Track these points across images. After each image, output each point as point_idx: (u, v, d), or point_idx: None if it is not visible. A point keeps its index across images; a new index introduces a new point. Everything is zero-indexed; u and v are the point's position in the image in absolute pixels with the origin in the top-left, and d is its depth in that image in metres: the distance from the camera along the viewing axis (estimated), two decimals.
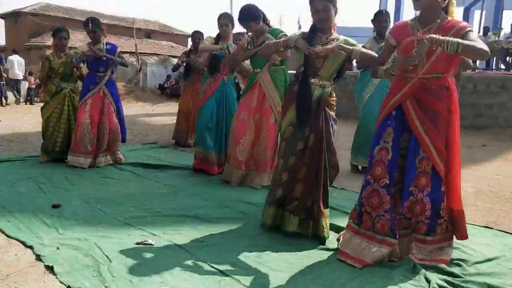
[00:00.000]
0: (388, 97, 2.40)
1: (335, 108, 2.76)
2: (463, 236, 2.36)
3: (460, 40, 2.00)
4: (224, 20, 4.22)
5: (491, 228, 2.95)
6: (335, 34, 2.68)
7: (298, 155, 2.62)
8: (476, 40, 2.07)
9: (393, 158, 2.28)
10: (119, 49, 4.75)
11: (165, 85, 18.11)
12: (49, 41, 23.67)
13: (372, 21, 4.41)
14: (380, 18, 4.31)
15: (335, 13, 2.61)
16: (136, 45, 23.29)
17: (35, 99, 14.47)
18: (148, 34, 31.22)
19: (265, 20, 3.79)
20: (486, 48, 2.00)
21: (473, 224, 3.01)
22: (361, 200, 2.37)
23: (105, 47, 4.53)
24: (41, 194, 3.44)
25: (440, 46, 2.02)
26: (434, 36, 2.02)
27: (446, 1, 2.18)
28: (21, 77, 13.84)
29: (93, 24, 4.49)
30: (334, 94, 2.77)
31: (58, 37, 4.62)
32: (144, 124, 8.75)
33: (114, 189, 3.67)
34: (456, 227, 2.35)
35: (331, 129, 2.67)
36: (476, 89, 8.67)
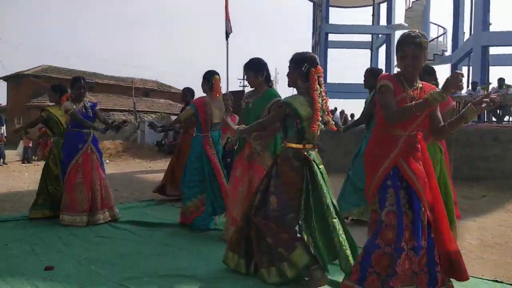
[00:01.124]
0: (377, 156, 2.40)
1: None
2: (464, 276, 2.32)
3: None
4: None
5: (502, 282, 2.85)
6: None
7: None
8: None
9: (400, 219, 2.28)
10: (98, 107, 4.87)
11: (163, 142, 18.26)
12: (49, 101, 24.20)
13: (369, 77, 4.48)
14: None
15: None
16: (134, 103, 23.84)
17: (33, 157, 14.47)
18: (146, 92, 32.05)
19: (268, 79, 3.76)
20: None
21: (482, 278, 2.92)
22: (368, 263, 2.30)
23: (88, 105, 4.67)
24: (33, 256, 3.32)
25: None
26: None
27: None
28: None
29: (84, 81, 4.65)
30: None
31: (77, 87, 4.63)
32: (142, 181, 8.70)
33: (109, 249, 3.56)
34: (455, 268, 2.33)
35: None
36: (470, 141, 8.79)
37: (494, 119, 11.27)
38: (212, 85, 4.28)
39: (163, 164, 6.91)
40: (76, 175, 4.42)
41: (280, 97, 3.80)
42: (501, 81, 11.20)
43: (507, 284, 2.82)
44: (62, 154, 4.60)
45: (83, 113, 4.59)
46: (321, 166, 2.77)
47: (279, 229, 2.66)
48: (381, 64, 25.44)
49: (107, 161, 14.66)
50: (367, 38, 26.97)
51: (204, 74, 4.51)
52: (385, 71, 24.62)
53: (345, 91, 24.80)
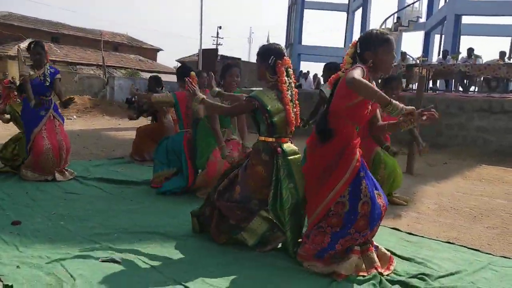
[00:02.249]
0: (339, 144, 2.40)
1: None
2: None
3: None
4: None
5: (453, 243, 3.06)
6: None
7: None
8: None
9: (373, 208, 2.39)
10: (59, 75, 4.68)
11: (133, 99, 17.84)
12: (10, 51, 22.94)
13: (325, 72, 4.50)
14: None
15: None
16: (103, 57, 22.92)
17: None
18: (116, 47, 30.82)
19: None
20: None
21: (436, 240, 3.12)
22: (333, 247, 2.39)
23: (49, 71, 4.49)
24: None
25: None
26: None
27: None
28: None
29: (38, 46, 4.43)
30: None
31: (33, 52, 4.44)
32: (111, 138, 8.56)
33: (78, 205, 3.55)
34: None
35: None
36: (437, 109, 9.02)
37: (460, 88, 11.60)
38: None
39: (132, 122, 6.79)
40: (42, 141, 4.35)
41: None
42: (470, 51, 11.45)
43: (458, 245, 3.03)
44: (22, 119, 4.49)
45: (40, 80, 4.43)
46: (295, 156, 2.71)
47: (240, 211, 2.69)
48: (357, 27, 25.38)
49: (74, 116, 14.26)
50: (344, 0, 26.66)
51: (178, 71, 4.46)
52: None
53: (319, 54, 24.76)
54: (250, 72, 17.59)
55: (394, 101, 2.11)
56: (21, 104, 4.65)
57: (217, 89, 3.46)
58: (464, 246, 3.00)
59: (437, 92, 12.05)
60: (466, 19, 17.02)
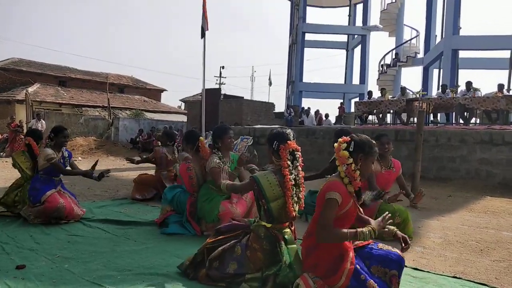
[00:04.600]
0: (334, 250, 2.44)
1: None
2: None
3: None
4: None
5: (460, 278, 3.03)
6: None
7: None
8: None
9: None
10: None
11: (137, 139, 18.06)
12: (19, 95, 23.50)
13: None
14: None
15: None
16: (108, 99, 23.43)
17: (1, 153, 14.06)
18: (121, 88, 31.54)
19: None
20: None
21: (442, 275, 3.08)
22: None
23: (64, 154, 4.73)
24: (4, 254, 3.28)
25: None
26: None
27: None
28: None
29: (66, 131, 4.71)
30: None
31: (62, 135, 4.64)
32: (115, 179, 8.62)
33: (83, 247, 3.55)
34: None
35: None
36: (438, 142, 9.13)
37: (461, 121, 11.70)
38: (199, 147, 4.31)
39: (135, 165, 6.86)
40: (57, 199, 4.37)
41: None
42: (468, 84, 11.63)
43: (465, 280, 2.99)
44: (30, 197, 4.48)
45: (61, 162, 4.61)
46: (293, 246, 2.73)
47: (230, 283, 2.70)
48: (356, 65, 25.93)
49: (79, 158, 14.41)
50: (343, 38, 27.41)
51: (187, 137, 4.67)
52: (360, 72, 24.95)
53: (320, 90, 25.19)
54: (252, 111, 17.85)
55: (361, 231, 2.36)
56: (23, 154, 4.70)
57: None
58: (471, 281, 2.97)
59: (438, 125, 12.15)
60: (463, 54, 17.40)
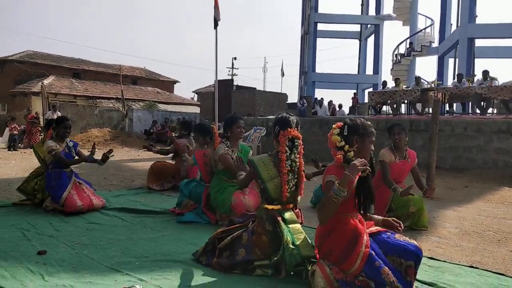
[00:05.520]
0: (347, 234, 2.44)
1: None
2: None
3: None
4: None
5: (477, 267, 3.00)
6: None
7: None
8: None
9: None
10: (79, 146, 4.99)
11: (151, 130, 18.21)
12: (35, 88, 23.85)
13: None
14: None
15: None
16: (122, 91, 23.61)
17: (19, 145, 14.32)
18: (134, 80, 31.74)
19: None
20: None
21: (459, 264, 3.06)
22: None
23: (70, 144, 4.75)
24: (25, 241, 3.38)
25: None
26: None
27: None
28: None
29: (68, 122, 4.73)
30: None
31: (64, 126, 4.68)
32: (130, 169, 8.73)
33: (100, 234, 3.62)
34: None
35: None
36: (454, 132, 9.00)
37: (478, 111, 11.50)
38: (213, 136, 4.32)
39: (151, 153, 6.90)
40: (76, 202, 4.39)
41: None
42: (485, 73, 11.40)
43: (482, 269, 2.97)
44: (47, 189, 4.56)
45: (66, 153, 4.65)
46: (295, 225, 2.76)
47: (241, 270, 2.74)
48: (370, 55, 25.61)
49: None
50: (356, 28, 27.05)
51: (199, 129, 4.67)
52: (373, 62, 24.60)
53: (333, 81, 24.97)
54: (265, 101, 17.82)
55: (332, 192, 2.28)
56: (43, 144, 4.77)
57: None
58: (488, 271, 2.93)
59: (453, 115, 11.97)
60: (479, 42, 17.05)
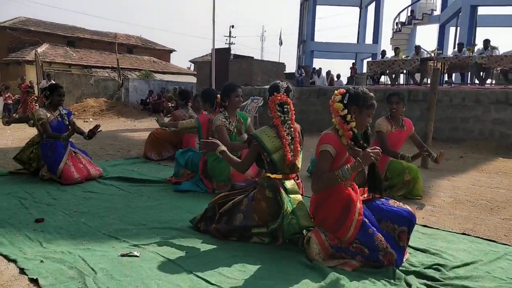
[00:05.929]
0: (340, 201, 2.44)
1: None
2: None
3: None
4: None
5: (469, 235, 3.06)
6: None
7: None
8: None
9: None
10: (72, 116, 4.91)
11: (147, 100, 18.06)
12: (28, 56, 23.42)
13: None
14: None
15: None
16: (117, 60, 23.24)
17: (14, 115, 14.22)
18: (130, 49, 31.20)
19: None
20: None
21: (451, 231, 3.12)
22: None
23: (63, 111, 4.68)
24: (23, 209, 3.40)
25: None
26: None
27: None
28: None
29: (62, 90, 4.65)
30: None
31: (58, 94, 4.60)
32: (127, 139, 8.72)
33: (98, 203, 3.65)
34: None
35: None
36: (452, 102, 8.97)
37: (476, 81, 11.43)
38: (217, 104, 4.23)
39: (148, 123, 6.88)
40: (72, 174, 4.37)
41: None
42: (486, 42, 11.25)
43: (474, 236, 3.03)
44: (43, 160, 4.53)
45: (58, 121, 4.59)
46: (296, 195, 2.76)
47: (238, 236, 2.78)
48: (370, 23, 25.16)
49: (90, 119, 14.52)
50: None
51: (204, 95, 4.58)
52: (373, 31, 24.21)
53: (332, 50, 24.62)
54: (262, 71, 17.61)
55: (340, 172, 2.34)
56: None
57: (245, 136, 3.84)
58: (480, 237, 3.00)
59: (452, 85, 11.89)
60: (481, 10, 16.74)
